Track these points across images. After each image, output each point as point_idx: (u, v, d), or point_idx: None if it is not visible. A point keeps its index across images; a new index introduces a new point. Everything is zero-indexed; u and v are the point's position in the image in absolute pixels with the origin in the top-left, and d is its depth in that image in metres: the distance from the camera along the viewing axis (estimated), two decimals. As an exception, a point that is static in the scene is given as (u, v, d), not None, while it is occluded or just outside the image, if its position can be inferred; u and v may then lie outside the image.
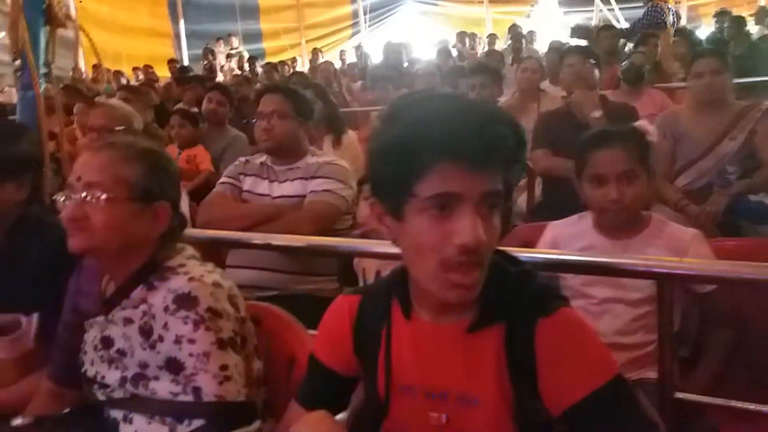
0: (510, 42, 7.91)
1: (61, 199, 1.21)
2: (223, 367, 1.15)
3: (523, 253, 1.21)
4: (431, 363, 0.95)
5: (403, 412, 0.97)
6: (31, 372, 1.44)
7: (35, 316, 1.45)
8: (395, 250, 1.58)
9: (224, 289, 1.22)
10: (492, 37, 9.20)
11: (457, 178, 0.83)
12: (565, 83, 3.15)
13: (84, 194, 1.18)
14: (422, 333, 0.97)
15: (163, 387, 1.16)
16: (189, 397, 1.14)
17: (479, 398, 0.91)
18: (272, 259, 2.06)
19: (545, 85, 4.40)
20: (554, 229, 1.74)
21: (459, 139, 0.82)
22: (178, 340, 1.14)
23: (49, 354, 1.39)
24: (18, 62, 2.83)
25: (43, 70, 2.83)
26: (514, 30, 8.31)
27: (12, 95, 6.40)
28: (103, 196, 1.18)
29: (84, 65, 8.78)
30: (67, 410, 1.30)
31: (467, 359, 0.93)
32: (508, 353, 0.90)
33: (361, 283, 1.90)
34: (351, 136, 3.50)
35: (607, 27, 6.14)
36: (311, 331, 1.46)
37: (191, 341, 1.14)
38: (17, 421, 1.20)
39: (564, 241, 1.68)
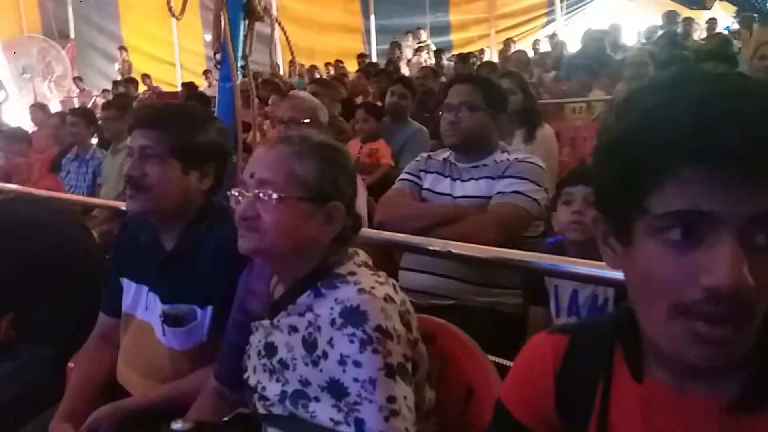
0: (737, 26, 6.85)
1: (235, 196, 1.14)
2: (391, 399, 1.01)
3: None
4: None
5: None
6: (203, 365, 1.43)
7: (209, 309, 1.43)
8: (600, 272, 1.34)
9: (396, 305, 1.07)
10: (712, 22, 8.12)
11: (712, 191, 0.58)
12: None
13: (256, 192, 1.10)
14: (658, 401, 0.71)
15: (324, 411, 1.05)
16: (351, 429, 1.01)
17: None
18: (451, 265, 1.87)
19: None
20: None
21: (718, 135, 0.57)
22: (342, 361, 1.02)
23: (219, 350, 1.36)
24: (218, 55, 2.96)
25: (240, 63, 2.92)
26: (742, 12, 7.20)
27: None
28: (275, 195, 1.09)
29: (281, 61, 9.41)
30: (226, 419, 1.24)
31: None
32: None
33: (552, 304, 1.63)
34: (546, 130, 3.15)
35: None
36: (492, 357, 1.29)
37: (357, 364, 1.01)
38: (176, 425, 1.15)
39: None
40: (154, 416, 1.36)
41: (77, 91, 10.02)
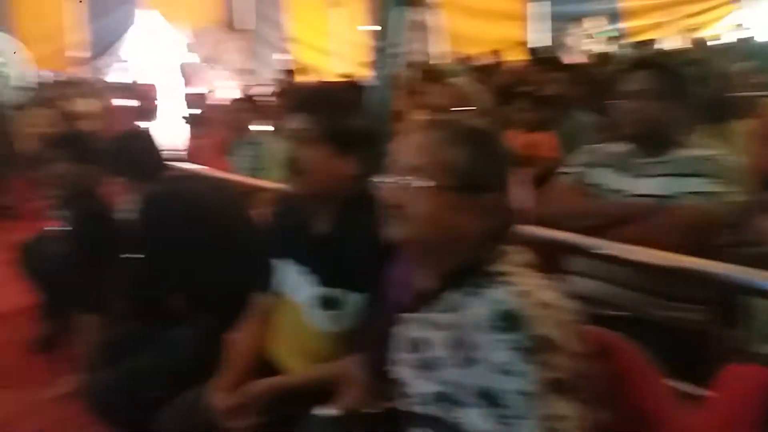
0: None
1: (384, 182, 1.08)
2: (551, 417, 0.90)
3: None
4: None
5: None
6: (351, 351, 1.41)
7: (361, 296, 1.42)
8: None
9: (560, 312, 0.96)
10: None
11: None
12: None
13: (402, 179, 1.04)
14: None
15: (473, 419, 0.96)
16: None
17: None
18: (626, 272, 1.67)
19: None
20: None
21: None
22: (497, 368, 0.92)
23: (368, 338, 1.33)
24: (377, 43, 2.96)
25: (395, 50, 2.90)
26: None
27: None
28: (422, 183, 1.02)
29: (442, 49, 9.34)
30: (371, 411, 1.20)
31: None
32: None
33: (747, 327, 1.39)
34: (739, 126, 2.78)
35: None
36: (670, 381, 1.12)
37: (513, 374, 0.91)
38: (321, 411, 1.13)
39: None
40: (303, 396, 1.36)
41: (249, 81, 10.79)
